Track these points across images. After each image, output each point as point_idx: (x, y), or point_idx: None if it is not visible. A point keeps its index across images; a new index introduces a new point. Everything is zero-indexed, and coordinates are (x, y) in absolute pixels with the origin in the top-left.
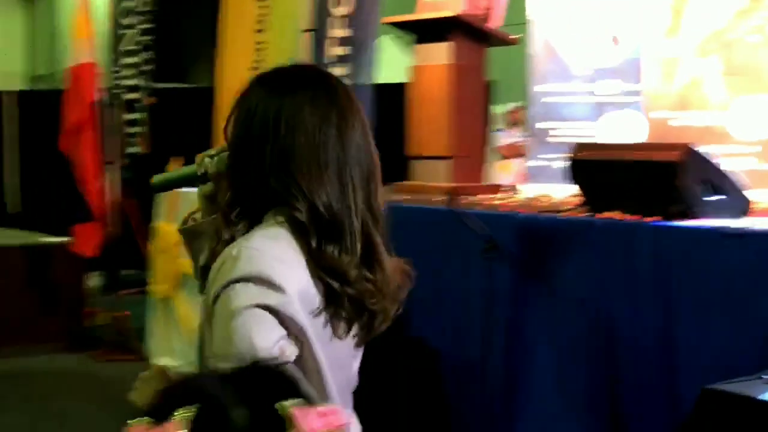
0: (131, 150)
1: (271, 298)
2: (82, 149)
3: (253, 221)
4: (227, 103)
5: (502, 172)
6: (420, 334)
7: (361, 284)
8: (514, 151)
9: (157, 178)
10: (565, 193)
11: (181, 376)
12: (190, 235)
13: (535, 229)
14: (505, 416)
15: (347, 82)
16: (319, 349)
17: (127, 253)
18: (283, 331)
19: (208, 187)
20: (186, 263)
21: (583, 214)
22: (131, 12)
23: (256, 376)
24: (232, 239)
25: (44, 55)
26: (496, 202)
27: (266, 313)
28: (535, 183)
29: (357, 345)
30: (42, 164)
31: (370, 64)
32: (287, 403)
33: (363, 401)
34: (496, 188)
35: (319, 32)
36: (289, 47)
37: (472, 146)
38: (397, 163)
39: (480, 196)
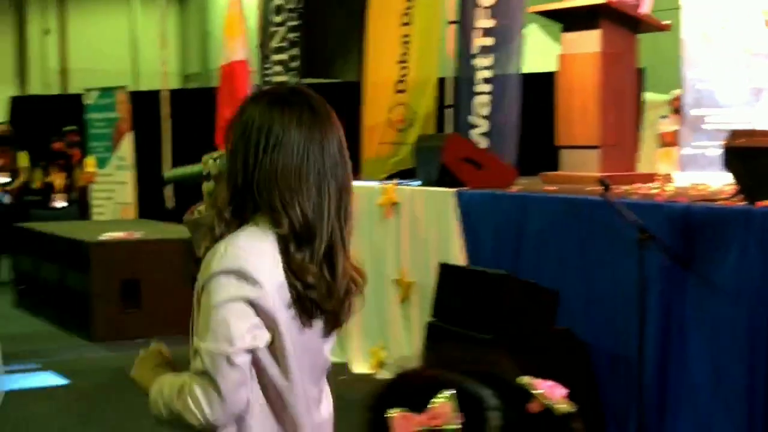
0: None
1: (249, 292)
2: None
3: (243, 221)
4: (374, 96)
5: (664, 159)
6: (570, 324)
7: (320, 287)
8: (675, 139)
9: (168, 173)
10: (722, 181)
11: (409, 370)
12: (193, 225)
13: (691, 219)
14: (658, 408)
15: (491, 73)
16: (288, 337)
17: None
18: (258, 320)
19: (210, 185)
20: None
21: (739, 203)
22: (281, 9)
23: (476, 359)
24: (222, 236)
25: (195, 54)
26: (651, 191)
27: (243, 305)
28: (691, 171)
29: (325, 335)
30: (194, 160)
31: (517, 54)
32: (526, 378)
33: None
34: (650, 177)
35: (464, 23)
36: (433, 39)
37: (623, 135)
38: (544, 153)
39: (633, 186)
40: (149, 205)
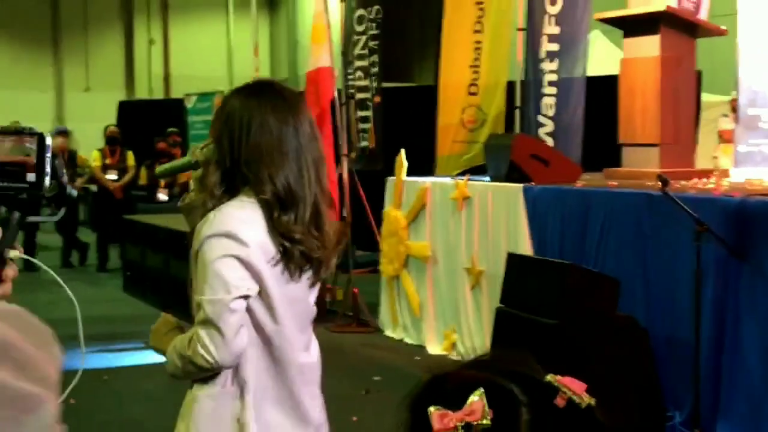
0: (362, 144)
1: (237, 250)
2: None
3: (231, 196)
4: (448, 99)
5: (724, 155)
6: (630, 311)
7: (308, 241)
8: (733, 136)
9: (159, 168)
10: None
11: (444, 371)
12: (186, 209)
13: (745, 212)
14: (713, 390)
15: (556, 76)
16: (275, 288)
17: (359, 236)
18: (247, 273)
19: (199, 172)
20: (412, 245)
21: None
22: (363, 19)
23: (503, 359)
24: (213, 209)
25: (284, 60)
26: (708, 186)
27: (234, 260)
28: (747, 168)
29: (311, 285)
30: None
31: (581, 59)
32: (550, 376)
33: (578, 377)
34: (707, 173)
35: (531, 30)
36: (503, 45)
37: (681, 133)
38: (607, 150)
39: (691, 181)
40: None
